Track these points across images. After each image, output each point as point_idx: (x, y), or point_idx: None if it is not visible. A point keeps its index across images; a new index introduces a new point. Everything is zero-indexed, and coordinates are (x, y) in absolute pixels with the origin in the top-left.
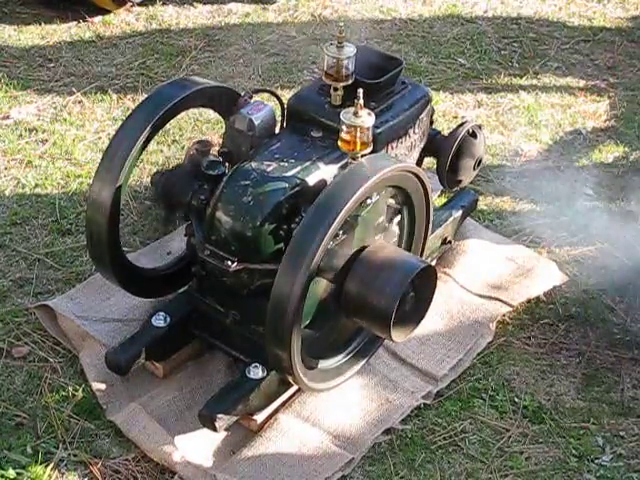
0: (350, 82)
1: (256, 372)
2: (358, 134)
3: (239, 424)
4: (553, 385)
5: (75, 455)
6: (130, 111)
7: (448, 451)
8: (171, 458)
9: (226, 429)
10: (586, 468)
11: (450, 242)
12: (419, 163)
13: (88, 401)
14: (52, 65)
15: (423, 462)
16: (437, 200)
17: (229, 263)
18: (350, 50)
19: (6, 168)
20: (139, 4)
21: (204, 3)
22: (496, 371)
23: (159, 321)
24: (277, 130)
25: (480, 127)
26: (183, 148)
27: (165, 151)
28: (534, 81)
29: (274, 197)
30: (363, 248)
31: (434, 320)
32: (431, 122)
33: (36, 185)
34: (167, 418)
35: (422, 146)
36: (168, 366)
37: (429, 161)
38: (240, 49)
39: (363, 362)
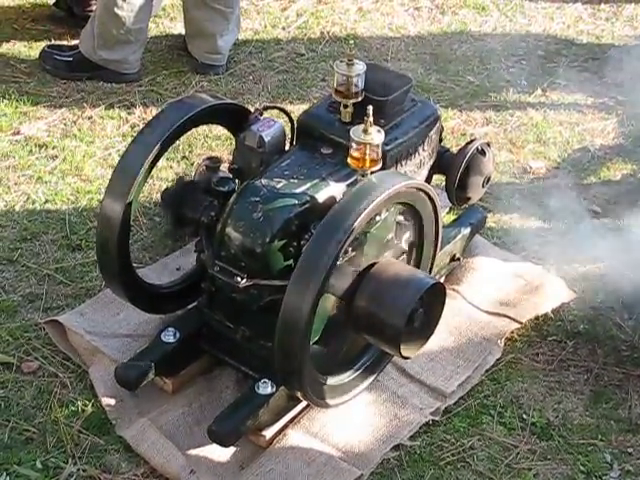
0: (360, 99)
1: (265, 388)
2: (368, 151)
3: (248, 440)
4: (561, 402)
5: (84, 470)
6: (140, 127)
7: (457, 467)
8: (180, 473)
9: (235, 445)
10: None
11: (459, 259)
12: (428, 180)
13: (97, 416)
14: (62, 81)
15: (432, 478)
16: (446, 217)
17: (239, 279)
18: (360, 67)
19: (16, 184)
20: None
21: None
22: (504, 388)
23: (169, 337)
24: (287, 147)
25: (489, 145)
26: (193, 164)
27: (175, 167)
28: (542, 99)
29: (284, 214)
30: (372, 265)
31: (443, 337)
32: (440, 139)
33: (46, 201)
34: (176, 433)
35: (431, 163)
36: (177, 382)
37: (438, 178)
38: (250, 66)
39: (372, 378)
